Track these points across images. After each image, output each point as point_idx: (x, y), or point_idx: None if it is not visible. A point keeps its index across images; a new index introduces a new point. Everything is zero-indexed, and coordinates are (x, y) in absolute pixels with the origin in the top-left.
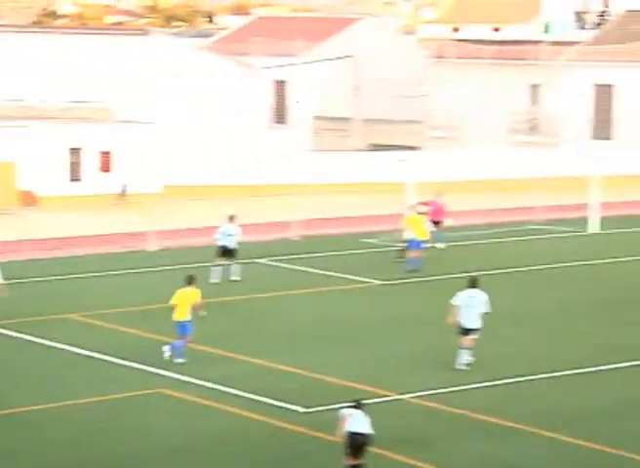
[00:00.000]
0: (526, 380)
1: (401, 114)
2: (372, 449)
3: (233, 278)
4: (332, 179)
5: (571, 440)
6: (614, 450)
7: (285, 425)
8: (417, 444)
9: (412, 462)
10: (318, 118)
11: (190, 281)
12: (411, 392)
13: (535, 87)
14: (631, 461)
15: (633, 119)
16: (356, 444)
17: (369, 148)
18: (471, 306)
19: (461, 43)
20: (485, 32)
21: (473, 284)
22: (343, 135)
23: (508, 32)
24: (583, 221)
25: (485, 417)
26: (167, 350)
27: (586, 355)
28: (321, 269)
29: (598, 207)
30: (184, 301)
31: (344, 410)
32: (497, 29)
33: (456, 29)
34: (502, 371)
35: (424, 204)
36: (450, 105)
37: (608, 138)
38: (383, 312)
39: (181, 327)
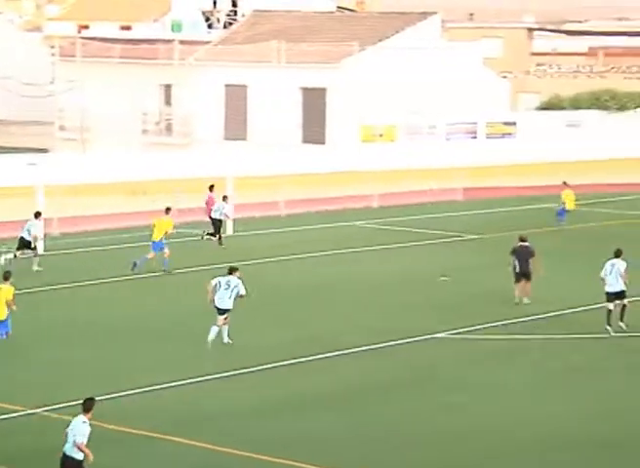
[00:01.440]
0: (165, 387)
1: (29, 115)
2: None
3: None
4: None
5: (204, 445)
6: (244, 453)
7: None
8: (48, 459)
9: None
10: None
11: (7, 277)
12: (43, 406)
13: (167, 87)
14: (260, 462)
15: (266, 119)
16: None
17: None
18: (227, 289)
19: (89, 41)
20: (113, 30)
21: (230, 271)
22: None
23: (138, 31)
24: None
25: (119, 427)
26: None
27: (227, 359)
28: None
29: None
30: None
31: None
32: (126, 27)
33: (83, 27)
34: (140, 380)
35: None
36: (80, 106)
37: (242, 139)
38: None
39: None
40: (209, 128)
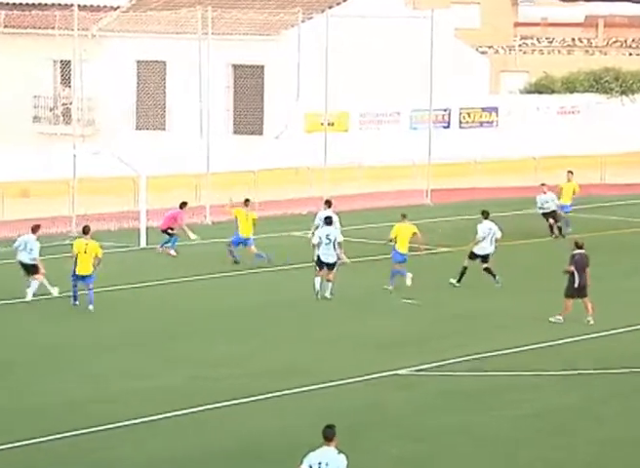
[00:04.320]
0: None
1: None
2: None
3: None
4: None
5: None
6: None
7: None
8: None
9: None
10: None
11: (86, 230)
12: None
13: (64, 63)
14: None
15: (188, 104)
16: None
17: None
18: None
19: None
20: None
21: (328, 222)
22: None
23: None
24: (132, 233)
25: None
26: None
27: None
28: None
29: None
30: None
31: None
32: None
33: None
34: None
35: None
36: None
37: (159, 128)
38: None
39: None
40: (117, 115)
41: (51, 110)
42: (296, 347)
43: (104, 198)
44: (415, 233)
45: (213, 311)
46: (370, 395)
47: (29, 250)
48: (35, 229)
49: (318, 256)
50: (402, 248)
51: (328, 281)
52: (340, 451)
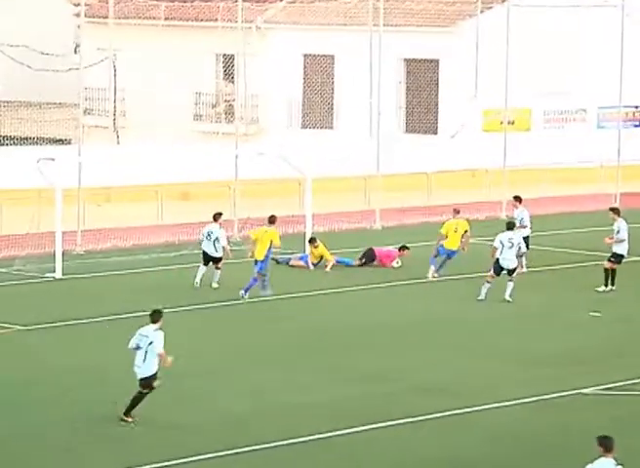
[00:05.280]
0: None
1: (45, 95)
2: None
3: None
4: None
5: None
6: None
7: None
8: None
9: None
10: None
11: (272, 220)
12: None
13: (227, 58)
14: None
15: (358, 101)
16: None
17: None
18: (512, 248)
19: None
20: None
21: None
22: None
23: None
24: (296, 239)
25: None
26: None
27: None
28: None
29: None
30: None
31: None
32: None
33: None
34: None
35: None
36: (113, 83)
37: (327, 127)
38: None
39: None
40: (282, 112)
41: (212, 107)
42: (465, 363)
43: (267, 201)
44: (466, 231)
45: (380, 322)
46: (551, 415)
47: (214, 239)
48: (217, 217)
49: (497, 260)
50: (448, 244)
51: (510, 281)
52: (618, 463)
